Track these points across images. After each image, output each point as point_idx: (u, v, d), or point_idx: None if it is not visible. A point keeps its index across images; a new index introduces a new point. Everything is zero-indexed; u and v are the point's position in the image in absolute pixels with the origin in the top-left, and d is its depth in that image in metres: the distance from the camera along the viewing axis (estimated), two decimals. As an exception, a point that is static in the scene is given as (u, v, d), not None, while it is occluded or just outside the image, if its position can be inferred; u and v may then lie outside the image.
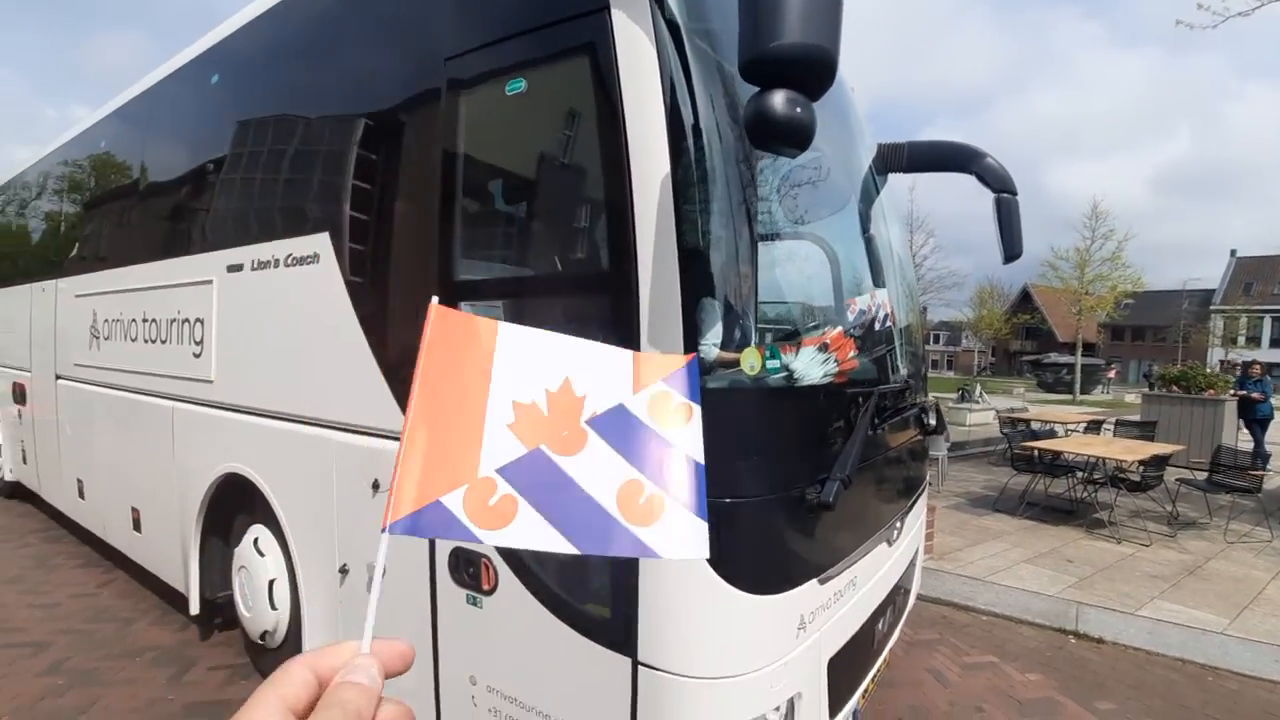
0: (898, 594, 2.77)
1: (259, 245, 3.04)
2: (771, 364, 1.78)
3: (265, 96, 3.17)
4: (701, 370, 1.66)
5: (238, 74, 3.37)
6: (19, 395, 6.02)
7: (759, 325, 1.86)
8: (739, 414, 1.74)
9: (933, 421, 2.95)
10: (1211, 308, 48.84)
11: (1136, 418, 10.64)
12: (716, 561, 1.63)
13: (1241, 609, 4.84)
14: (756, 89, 1.32)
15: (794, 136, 1.29)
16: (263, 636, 3.18)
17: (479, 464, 0.96)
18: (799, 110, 1.27)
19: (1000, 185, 3.50)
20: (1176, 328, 45.54)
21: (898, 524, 2.65)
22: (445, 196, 2.16)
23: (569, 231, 1.93)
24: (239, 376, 3.20)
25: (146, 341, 3.89)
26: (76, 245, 5.19)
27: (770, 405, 1.83)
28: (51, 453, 5.42)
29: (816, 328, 2.11)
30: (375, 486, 2.43)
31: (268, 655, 3.23)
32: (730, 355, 1.69)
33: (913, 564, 3.13)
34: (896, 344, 2.78)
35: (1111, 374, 41.65)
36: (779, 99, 1.26)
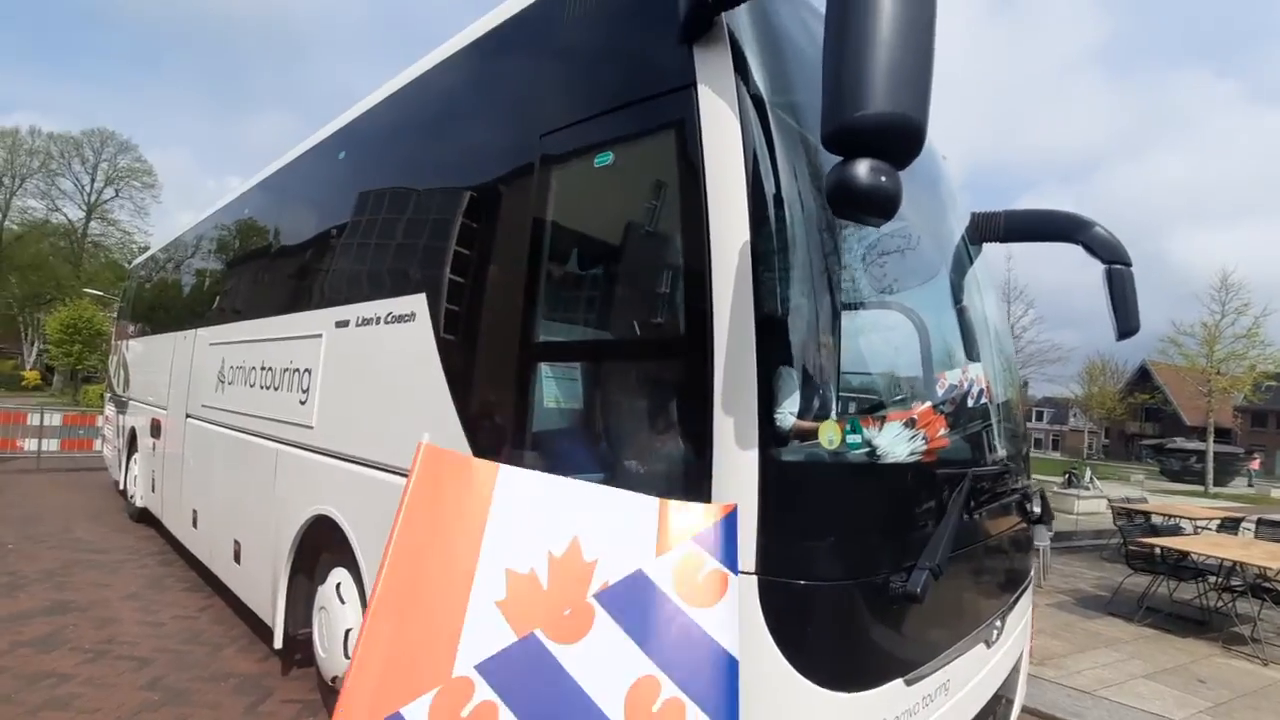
0: (998, 704, 2.48)
1: (364, 304, 3.28)
2: (852, 438, 1.70)
3: (380, 170, 3.50)
4: (778, 442, 1.61)
5: (360, 150, 3.75)
6: (155, 430, 6.69)
7: (840, 397, 1.79)
8: (817, 490, 1.66)
9: (1036, 509, 2.70)
10: (1379, 393, 42.79)
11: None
12: (789, 650, 1.53)
13: None
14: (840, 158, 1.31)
15: (877, 206, 1.26)
16: (334, 680, 3.24)
17: (456, 657, 0.74)
18: (883, 179, 1.25)
19: (1111, 256, 3.28)
20: (1335, 414, 40.00)
21: (998, 623, 2.39)
22: (532, 262, 2.26)
23: (648, 297, 1.96)
24: (336, 423, 3.41)
25: (263, 388, 4.24)
26: (216, 299, 5.81)
27: (852, 482, 1.73)
28: (175, 484, 5.94)
29: (903, 402, 2.00)
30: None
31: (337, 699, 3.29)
32: (808, 425, 1.63)
33: (1016, 669, 2.80)
34: (994, 421, 2.60)
35: (1255, 464, 36.96)
36: (862, 169, 1.25)
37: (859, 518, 1.72)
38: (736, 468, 1.61)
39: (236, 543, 4.44)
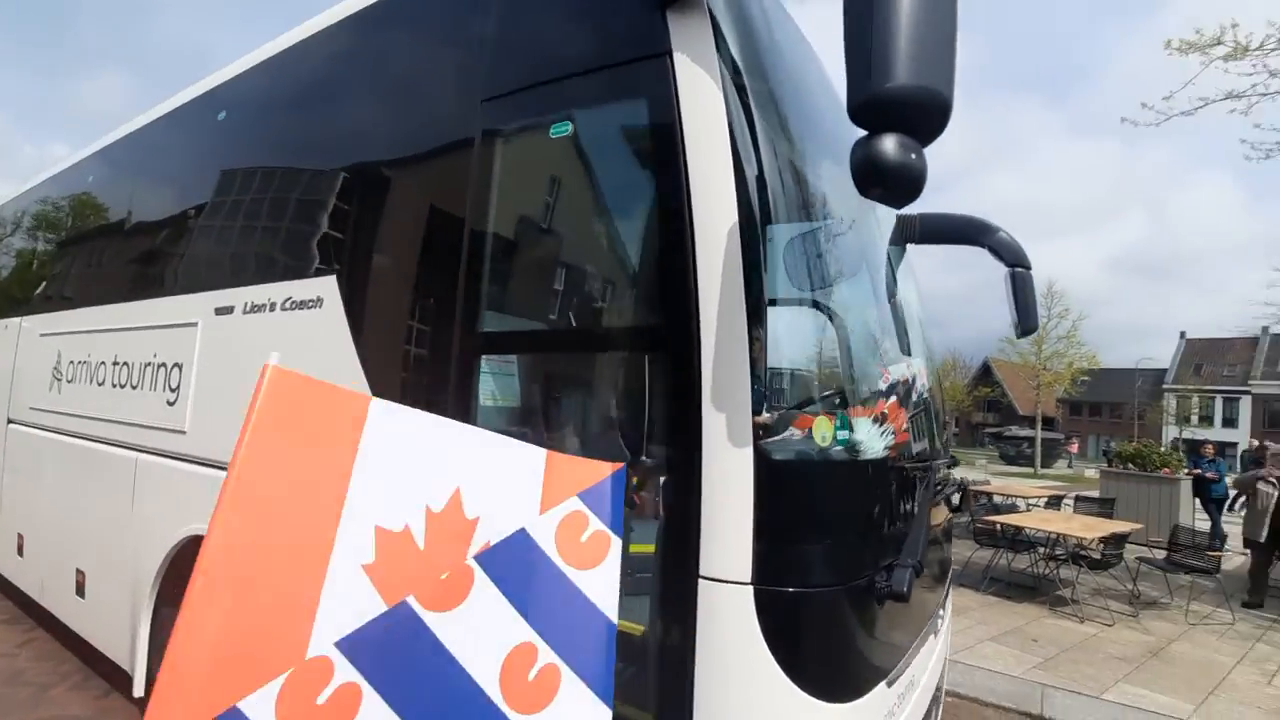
0: (939, 691, 2.55)
1: (254, 287, 2.83)
2: (842, 435, 1.62)
3: (273, 135, 3.04)
4: (768, 435, 1.51)
5: (248, 111, 3.24)
6: (-42, 440, 5.53)
7: (822, 391, 1.72)
8: (809, 490, 1.57)
9: (956, 500, 2.81)
10: (1164, 387, 50.85)
11: (1096, 494, 10.75)
12: (790, 665, 1.42)
13: (1206, 695, 4.74)
14: (858, 134, 1.22)
15: (906, 184, 1.18)
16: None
17: (311, 634, 0.56)
18: (913, 157, 1.17)
19: (1014, 259, 3.50)
20: (1132, 405, 47.09)
21: (941, 612, 2.45)
22: (473, 243, 2.01)
23: (621, 282, 1.79)
24: (217, 428, 2.92)
25: (115, 386, 3.58)
26: (48, 282, 4.89)
27: (839, 481, 1.66)
28: (-12, 504, 4.94)
29: (871, 397, 1.97)
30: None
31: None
32: (801, 422, 1.53)
33: (943, 658, 2.91)
34: (931, 414, 2.67)
35: (1073, 448, 42.52)
36: (891, 145, 1.16)
37: (846, 517, 1.65)
38: (729, 469, 1.48)
39: (79, 573, 3.73)
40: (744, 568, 1.44)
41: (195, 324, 3.08)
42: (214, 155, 3.37)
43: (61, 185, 5.04)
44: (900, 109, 1.15)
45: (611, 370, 1.83)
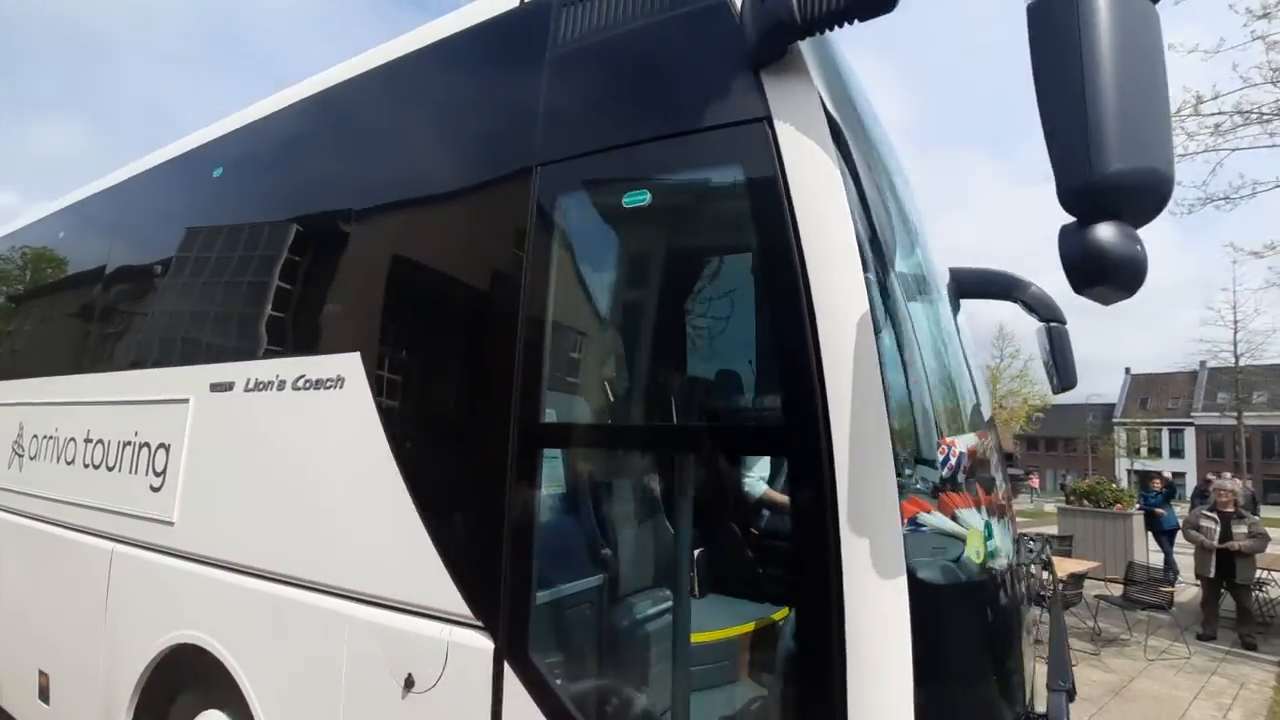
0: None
1: (259, 363, 2.55)
2: (990, 544, 1.41)
3: (283, 194, 2.78)
4: (925, 562, 1.28)
5: (252, 167, 2.99)
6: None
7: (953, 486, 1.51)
8: (962, 617, 1.35)
9: (1047, 578, 2.61)
10: (1113, 421, 52.75)
11: (1054, 530, 10.82)
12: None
13: (1167, 733, 4.73)
14: (1065, 221, 1.04)
15: (1129, 277, 1.01)
16: None
17: None
18: (1138, 247, 0.99)
19: (1048, 314, 3.39)
20: (1084, 439, 48.59)
21: None
22: (530, 323, 1.78)
23: (733, 373, 1.57)
24: (213, 520, 2.59)
25: (87, 466, 3.21)
26: (6, 345, 4.49)
27: (985, 601, 1.44)
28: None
29: (987, 485, 1.77)
30: (409, 684, 1.86)
31: None
32: (955, 538, 1.32)
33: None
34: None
35: (1034, 483, 43.34)
36: (1113, 235, 0.99)
37: (1000, 640, 1.43)
38: (877, 600, 1.25)
39: (43, 674, 3.29)
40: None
41: (186, 400, 2.76)
42: (210, 213, 3.09)
43: (30, 238, 4.67)
44: (1122, 194, 0.98)
45: (717, 476, 1.60)
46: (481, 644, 1.75)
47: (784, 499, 1.39)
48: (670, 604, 1.69)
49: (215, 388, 2.68)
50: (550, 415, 1.74)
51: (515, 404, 1.76)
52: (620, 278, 1.79)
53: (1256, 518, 8.41)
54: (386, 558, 2.00)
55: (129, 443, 3.01)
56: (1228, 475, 13.83)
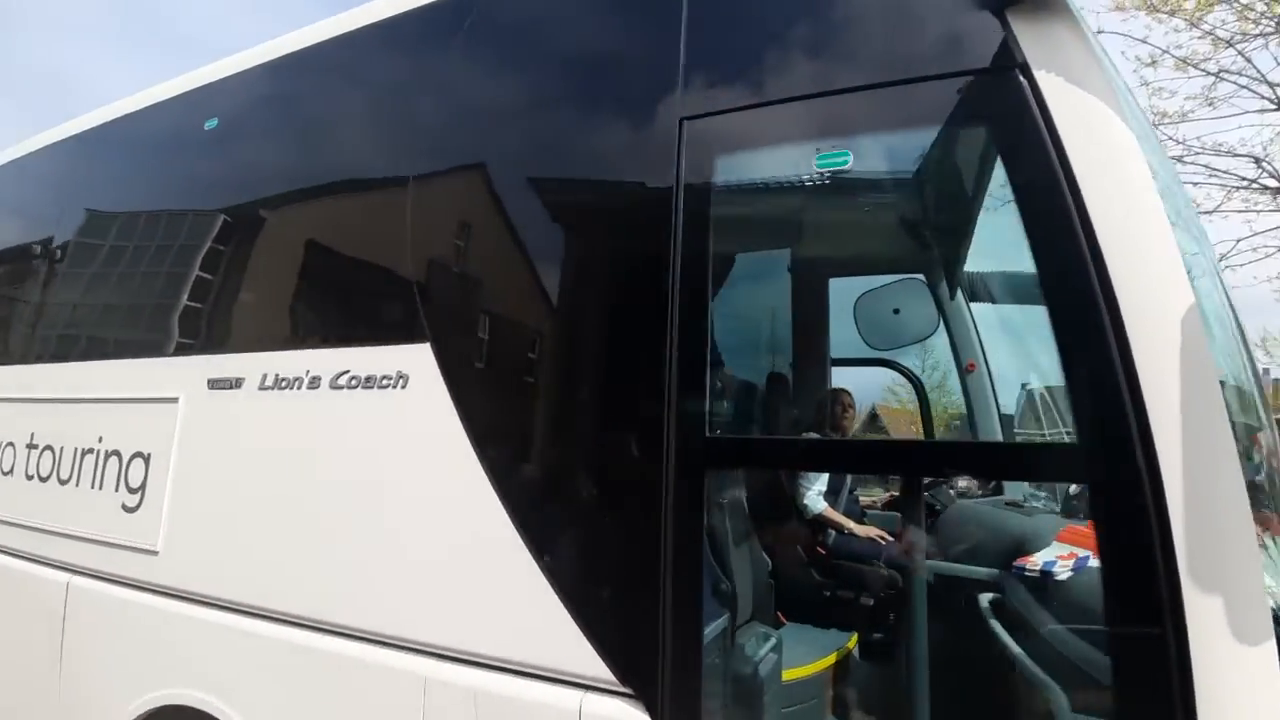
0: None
1: (279, 354, 2.06)
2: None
3: (307, 145, 2.28)
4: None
5: (251, 113, 2.45)
6: None
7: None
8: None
9: None
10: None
11: None
12: None
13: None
14: None
15: None
16: None
17: None
18: None
19: None
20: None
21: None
22: (689, 313, 1.41)
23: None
24: (218, 551, 2.08)
25: (32, 479, 2.60)
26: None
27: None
28: None
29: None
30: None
31: None
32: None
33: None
34: None
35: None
36: None
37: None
38: (1239, 663, 0.98)
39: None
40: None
41: (174, 400, 2.24)
42: (212, 159, 2.52)
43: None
44: None
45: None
46: (629, 715, 1.38)
47: (1094, 532, 1.09)
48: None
49: (215, 385, 2.17)
50: (719, 425, 1.39)
51: (671, 410, 1.39)
52: (804, 255, 1.45)
53: None
54: (486, 603, 1.59)
55: (90, 450, 2.44)
56: None
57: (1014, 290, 1.48)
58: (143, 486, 2.26)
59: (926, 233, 1.44)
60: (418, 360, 1.77)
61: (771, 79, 1.45)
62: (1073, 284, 1.13)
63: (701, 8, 1.51)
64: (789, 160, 1.43)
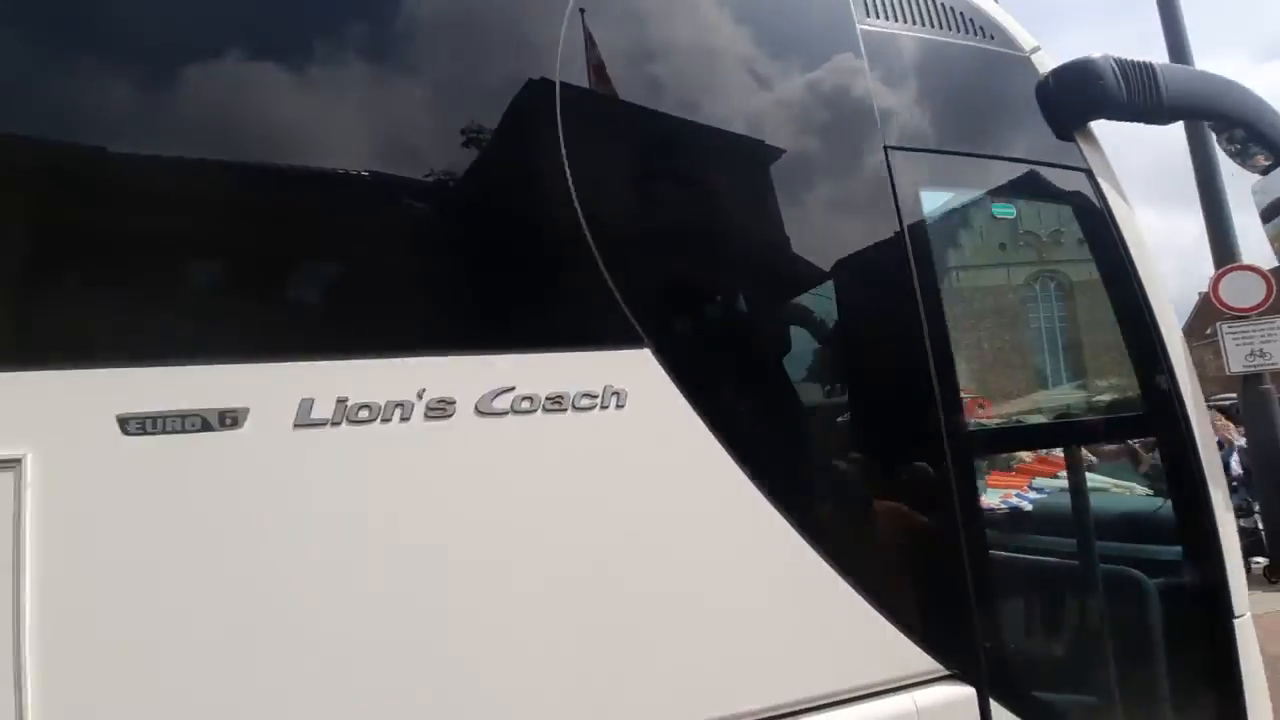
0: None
1: (342, 361, 1.23)
2: None
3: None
4: None
5: None
6: None
7: None
8: None
9: None
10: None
11: None
12: None
13: None
14: None
15: None
16: None
17: None
18: None
19: None
20: None
21: None
22: (934, 313, 1.62)
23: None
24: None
25: None
26: None
27: None
28: None
29: None
30: None
31: None
32: None
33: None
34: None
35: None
36: None
37: None
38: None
39: None
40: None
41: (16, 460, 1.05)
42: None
43: None
44: None
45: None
46: (958, 695, 1.48)
47: None
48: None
49: (133, 427, 1.13)
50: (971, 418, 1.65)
51: (940, 407, 1.57)
52: (992, 278, 1.84)
53: None
54: (796, 642, 1.39)
55: None
56: None
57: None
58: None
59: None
60: (632, 369, 1.39)
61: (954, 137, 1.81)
62: (1129, 300, 1.86)
63: None
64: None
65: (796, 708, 1.37)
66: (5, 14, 1.15)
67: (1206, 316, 11.08)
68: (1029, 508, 2.53)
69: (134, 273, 1.19)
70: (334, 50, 1.36)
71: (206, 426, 1.14)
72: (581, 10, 1.44)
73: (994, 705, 1.51)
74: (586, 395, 1.34)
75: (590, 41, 1.46)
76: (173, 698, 1.07)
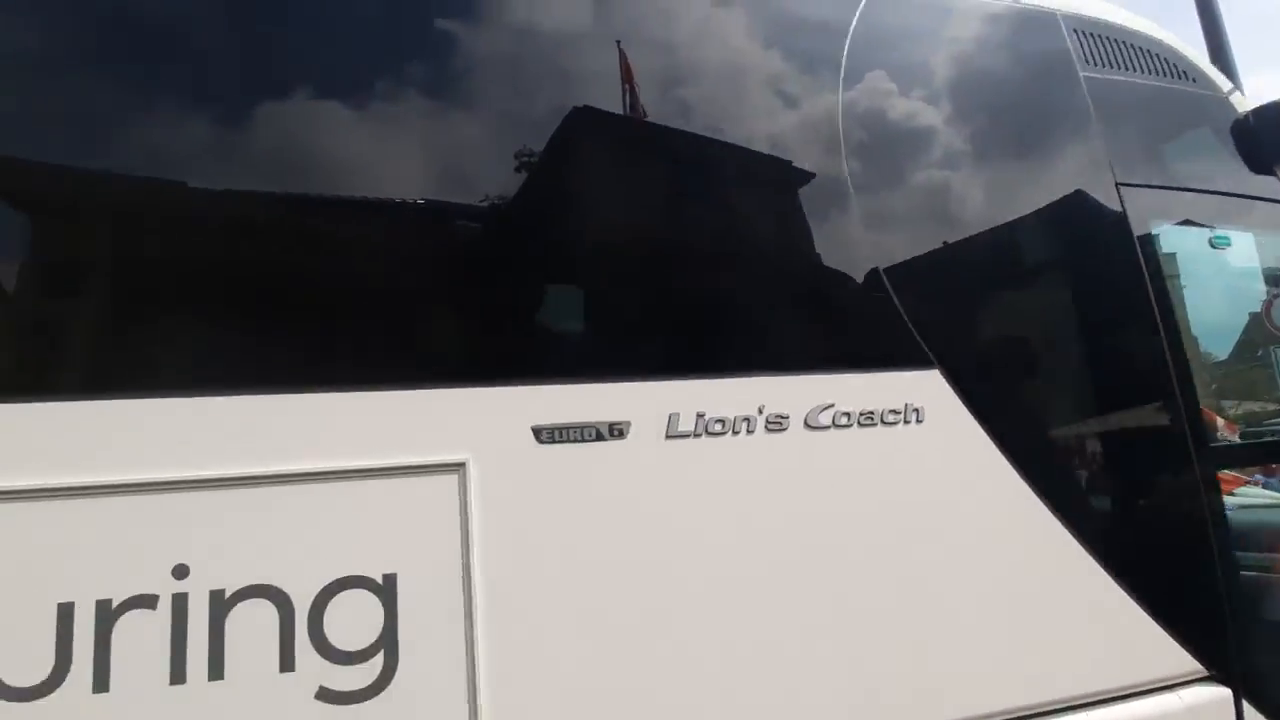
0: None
1: (674, 382, 1.39)
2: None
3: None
4: None
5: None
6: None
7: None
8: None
9: None
10: None
11: None
12: None
13: None
14: None
15: None
16: None
17: None
18: None
19: None
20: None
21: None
22: (1173, 328, 1.74)
23: None
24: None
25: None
26: None
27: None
28: None
29: None
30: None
31: None
32: None
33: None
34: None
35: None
36: None
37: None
38: None
39: None
40: None
41: (457, 468, 1.22)
42: None
43: None
44: None
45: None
46: (1215, 696, 1.59)
47: None
48: None
49: (545, 436, 1.29)
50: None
51: (1199, 426, 1.71)
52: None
53: None
54: (1070, 643, 1.51)
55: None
56: None
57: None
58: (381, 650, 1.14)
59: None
60: (927, 390, 1.54)
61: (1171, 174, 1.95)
62: None
63: None
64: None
65: (1075, 702, 1.51)
66: None
67: None
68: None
69: (541, 301, 1.37)
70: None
71: (599, 437, 1.31)
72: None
73: (1247, 707, 1.61)
74: (892, 411, 1.49)
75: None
76: (592, 669, 1.23)
